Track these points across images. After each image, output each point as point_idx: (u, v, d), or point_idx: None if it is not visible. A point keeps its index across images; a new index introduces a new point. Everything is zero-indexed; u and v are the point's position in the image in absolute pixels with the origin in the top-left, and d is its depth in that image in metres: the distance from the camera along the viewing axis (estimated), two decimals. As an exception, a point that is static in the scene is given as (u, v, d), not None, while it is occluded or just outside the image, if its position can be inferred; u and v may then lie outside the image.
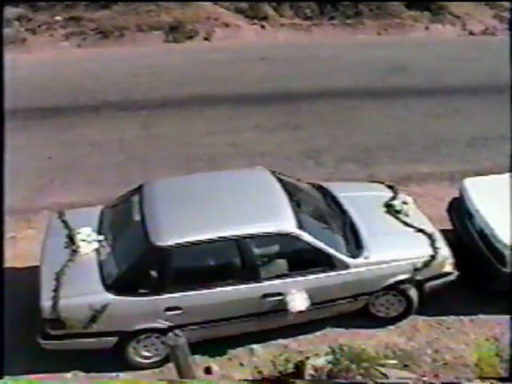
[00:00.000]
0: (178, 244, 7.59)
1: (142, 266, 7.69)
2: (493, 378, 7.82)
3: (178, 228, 7.82)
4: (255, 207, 8.18)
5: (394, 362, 8.10)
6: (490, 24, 19.86)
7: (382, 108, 14.31)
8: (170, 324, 7.66)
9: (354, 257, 8.14)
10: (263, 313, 7.97)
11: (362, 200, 9.13)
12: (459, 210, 9.53)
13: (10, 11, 18.32)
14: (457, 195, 9.77)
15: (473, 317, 8.78)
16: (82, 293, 7.62)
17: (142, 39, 18.29)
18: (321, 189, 9.33)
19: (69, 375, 7.88)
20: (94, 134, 13.18)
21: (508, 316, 8.42)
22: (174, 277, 7.64)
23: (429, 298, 8.56)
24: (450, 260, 8.54)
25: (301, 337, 8.45)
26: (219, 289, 7.74)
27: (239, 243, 7.74)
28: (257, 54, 16.99)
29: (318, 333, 8.52)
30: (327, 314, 8.38)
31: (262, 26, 19.12)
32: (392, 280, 8.24)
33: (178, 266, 7.64)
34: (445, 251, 8.51)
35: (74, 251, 8.06)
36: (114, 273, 7.74)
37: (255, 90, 14.99)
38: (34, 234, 9.94)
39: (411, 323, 8.68)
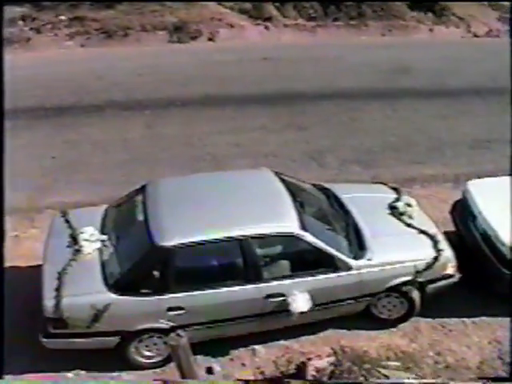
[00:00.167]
0: (181, 244, 7.59)
1: (144, 265, 7.69)
2: (493, 379, 7.82)
3: (181, 228, 7.81)
4: (258, 208, 8.18)
5: (396, 363, 8.09)
6: (493, 26, 19.86)
7: (385, 109, 14.30)
8: (173, 324, 7.65)
9: (356, 258, 8.13)
10: (265, 313, 7.97)
11: (365, 201, 9.12)
12: (462, 212, 9.52)
13: (14, 10, 18.39)
14: (460, 197, 9.76)
15: (475, 319, 8.76)
16: (85, 292, 7.63)
17: (146, 39, 18.32)
18: (324, 190, 9.32)
19: (70, 374, 7.88)
20: (97, 134, 13.20)
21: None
22: (177, 277, 7.64)
23: (431, 300, 8.55)
24: (453, 262, 8.53)
25: (303, 338, 8.45)
26: (222, 289, 7.74)
27: (242, 244, 7.73)
28: (261, 55, 17.00)
29: (320, 334, 8.51)
30: (329, 315, 8.37)
31: (266, 27, 19.13)
32: (394, 282, 8.23)
33: (181, 266, 7.65)
34: (448, 253, 8.50)
35: (77, 251, 8.06)
36: (116, 272, 7.74)
37: (259, 91, 14.99)
38: (38, 233, 9.95)
39: (413, 325, 8.67)
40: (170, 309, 7.65)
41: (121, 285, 7.60)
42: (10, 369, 7.52)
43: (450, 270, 8.50)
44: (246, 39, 18.57)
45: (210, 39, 18.52)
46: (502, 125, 12.56)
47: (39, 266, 8.15)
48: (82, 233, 8.22)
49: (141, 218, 8.19)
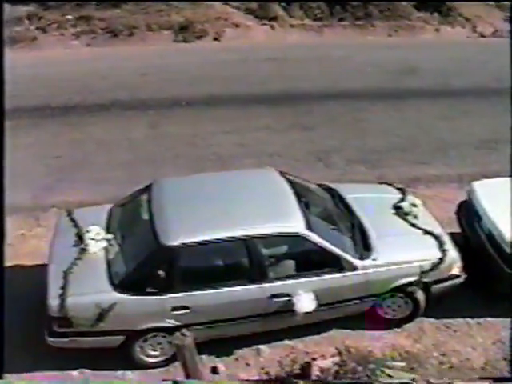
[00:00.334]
0: (187, 243, 7.60)
1: (149, 265, 7.70)
2: (493, 378, 7.81)
3: (186, 228, 7.82)
4: (264, 207, 8.17)
5: (401, 364, 8.08)
6: (499, 26, 19.80)
7: (391, 109, 14.28)
8: (177, 323, 7.65)
9: (362, 258, 8.13)
10: (270, 313, 7.96)
11: (370, 201, 9.11)
12: (468, 212, 9.51)
13: (20, 9, 18.43)
14: (465, 198, 9.75)
15: (480, 320, 8.75)
16: (90, 291, 7.64)
17: (151, 39, 18.33)
18: (329, 190, 9.31)
19: (75, 373, 7.89)
20: (102, 133, 13.21)
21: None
22: (182, 276, 7.65)
23: (436, 300, 8.54)
24: (458, 263, 8.52)
25: (307, 338, 8.44)
26: (227, 289, 7.74)
27: (247, 243, 7.73)
28: (266, 55, 17.00)
29: (324, 334, 8.50)
30: (334, 315, 8.36)
31: (272, 27, 19.12)
32: (400, 282, 8.22)
33: (186, 266, 7.65)
34: (453, 254, 8.49)
35: (83, 250, 8.07)
36: (121, 272, 7.75)
37: (264, 91, 14.99)
38: (43, 231, 9.96)
39: (418, 325, 8.66)
40: (175, 308, 7.65)
41: (126, 284, 7.61)
42: (14, 367, 7.55)
43: (455, 270, 8.49)
44: (252, 39, 18.57)
45: (215, 39, 18.52)
46: (507, 125, 12.50)
47: (45, 265, 8.17)
48: (87, 232, 8.23)
49: (146, 217, 8.20)
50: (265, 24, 19.17)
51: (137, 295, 7.60)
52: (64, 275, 7.68)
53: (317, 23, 19.45)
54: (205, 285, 7.73)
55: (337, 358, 8.02)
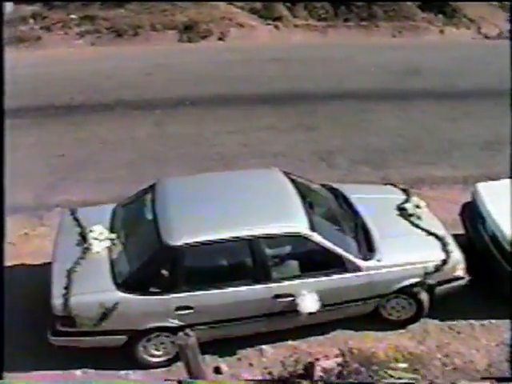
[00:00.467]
0: (190, 243, 7.59)
1: (153, 264, 7.70)
2: (496, 378, 7.79)
3: (189, 227, 7.81)
4: (267, 208, 8.17)
5: (404, 365, 8.07)
6: (504, 27, 19.75)
7: (395, 110, 14.26)
8: (181, 323, 7.65)
9: (365, 259, 8.12)
10: (274, 313, 7.96)
11: (374, 202, 9.09)
12: (472, 214, 9.49)
13: (25, 9, 18.46)
14: (469, 199, 9.73)
15: (484, 321, 8.73)
16: (93, 290, 7.64)
17: (156, 38, 18.34)
18: (333, 190, 9.30)
19: (78, 372, 7.89)
20: (106, 133, 13.22)
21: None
22: (186, 276, 7.65)
23: (440, 302, 8.53)
24: (462, 264, 8.50)
25: (311, 338, 8.43)
26: (230, 289, 7.73)
27: (251, 243, 7.73)
28: (270, 55, 16.99)
29: (328, 335, 8.50)
30: (338, 316, 8.35)
31: (276, 27, 19.11)
32: (403, 283, 8.21)
33: (190, 266, 7.65)
34: (457, 255, 8.47)
35: (86, 249, 8.07)
36: (125, 271, 7.75)
37: (269, 91, 14.98)
38: (47, 231, 9.96)
39: (422, 327, 8.64)
40: (179, 308, 7.65)
41: (129, 283, 7.61)
42: (16, 367, 7.57)
43: (459, 272, 8.47)
44: (256, 39, 18.57)
45: (219, 39, 18.52)
46: (512, 127, 12.53)
47: (48, 264, 8.17)
48: (91, 231, 8.24)
49: (150, 216, 8.20)
50: (269, 24, 19.16)
51: (140, 295, 7.60)
52: (67, 274, 7.69)
53: (321, 23, 19.44)
54: (208, 285, 7.73)
55: (340, 359, 8.02)
